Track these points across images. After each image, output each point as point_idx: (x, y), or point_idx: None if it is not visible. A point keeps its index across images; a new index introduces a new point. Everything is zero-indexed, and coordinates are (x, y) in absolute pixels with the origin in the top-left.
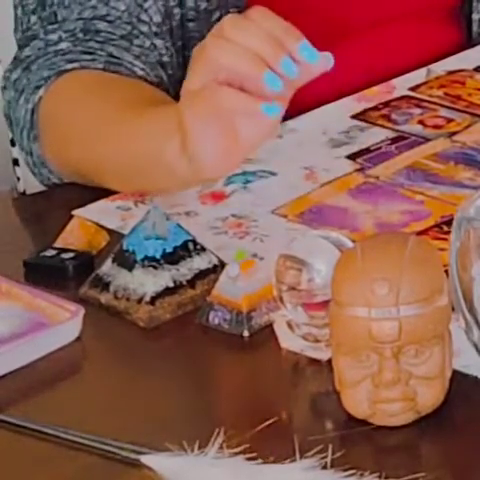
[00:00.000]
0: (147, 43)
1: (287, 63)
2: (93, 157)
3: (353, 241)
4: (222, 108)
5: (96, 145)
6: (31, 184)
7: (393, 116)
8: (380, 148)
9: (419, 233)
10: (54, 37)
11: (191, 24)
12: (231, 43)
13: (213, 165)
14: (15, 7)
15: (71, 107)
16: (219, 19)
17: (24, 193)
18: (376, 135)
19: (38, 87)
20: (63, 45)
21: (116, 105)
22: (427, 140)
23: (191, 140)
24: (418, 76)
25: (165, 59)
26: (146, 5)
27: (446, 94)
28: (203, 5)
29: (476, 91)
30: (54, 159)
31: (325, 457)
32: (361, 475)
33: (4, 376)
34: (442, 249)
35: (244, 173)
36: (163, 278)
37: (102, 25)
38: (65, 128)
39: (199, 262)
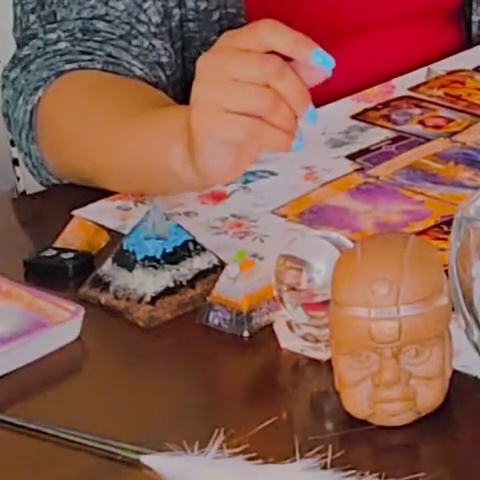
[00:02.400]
0: (146, 43)
1: (312, 112)
2: (93, 158)
3: (353, 241)
4: (259, 144)
5: (96, 146)
6: (31, 184)
7: (393, 116)
8: (380, 148)
9: (419, 233)
10: (53, 36)
11: (191, 24)
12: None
13: (220, 176)
14: (14, 6)
15: (70, 109)
16: (219, 19)
17: (24, 193)
18: (376, 135)
19: (37, 88)
20: (62, 45)
21: (116, 106)
22: (427, 140)
23: (201, 157)
24: (418, 76)
25: (164, 59)
26: (145, 5)
27: (446, 94)
28: (203, 5)
29: (476, 91)
30: (53, 161)
31: (325, 457)
32: (361, 475)
33: (4, 376)
34: (442, 249)
35: (244, 173)
36: (163, 278)
37: (101, 25)
38: (64, 130)
39: (199, 262)
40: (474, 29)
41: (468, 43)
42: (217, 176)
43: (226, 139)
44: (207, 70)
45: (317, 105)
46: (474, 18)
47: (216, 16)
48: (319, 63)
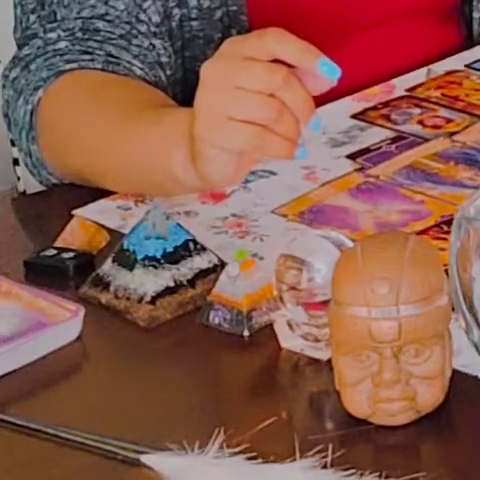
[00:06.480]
0: (146, 43)
1: (316, 121)
2: (92, 159)
3: (353, 241)
4: (262, 152)
5: (96, 147)
6: (31, 184)
7: (393, 116)
8: (380, 148)
9: (419, 233)
10: (53, 36)
11: (194, 23)
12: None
13: (221, 181)
14: (15, 7)
15: (70, 109)
16: (221, 17)
17: (24, 193)
18: (376, 135)
19: (37, 88)
20: (62, 44)
21: (116, 106)
22: (426, 140)
23: (202, 162)
24: (418, 76)
25: (163, 59)
26: (145, 5)
27: (444, 95)
28: (206, 3)
29: (473, 92)
30: (53, 161)
31: (325, 457)
32: (361, 475)
33: (4, 376)
34: (442, 249)
35: None
36: (163, 278)
37: (101, 24)
38: (64, 130)
39: (199, 262)
40: (475, 26)
41: (469, 40)
42: (218, 181)
43: (230, 148)
44: (212, 77)
45: (317, 105)
46: (475, 15)
47: (219, 14)
48: (325, 72)
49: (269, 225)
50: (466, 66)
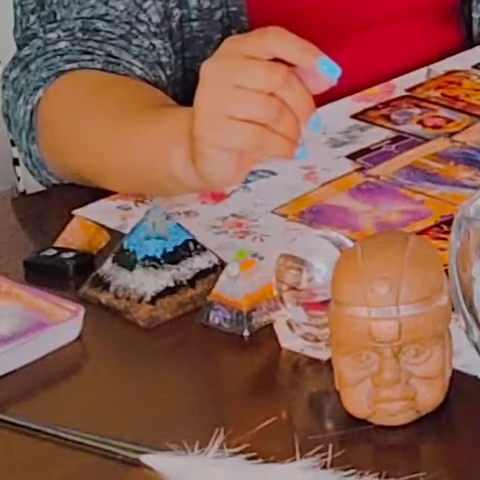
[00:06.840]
0: (146, 43)
1: (316, 121)
2: (92, 159)
3: (353, 241)
4: (262, 152)
5: (95, 147)
6: (31, 184)
7: (393, 116)
8: (380, 148)
9: (419, 233)
10: (53, 36)
11: (194, 23)
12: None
13: (221, 181)
14: (15, 7)
15: (70, 109)
16: (221, 18)
17: (24, 193)
18: (376, 135)
19: (37, 88)
20: (62, 44)
21: (116, 106)
22: (426, 140)
23: (202, 162)
24: (418, 76)
25: (164, 59)
26: (145, 5)
27: (443, 95)
28: (206, 4)
29: (473, 92)
30: (53, 161)
31: (325, 457)
32: (361, 475)
33: (4, 376)
34: (442, 249)
35: None
36: (163, 278)
37: (101, 24)
38: (64, 130)
39: (199, 262)
40: (475, 27)
41: (469, 41)
42: (218, 181)
43: (229, 148)
44: (212, 76)
45: (317, 105)
46: (474, 15)
47: (219, 15)
48: (325, 71)
49: (269, 225)
50: (473, 67)
